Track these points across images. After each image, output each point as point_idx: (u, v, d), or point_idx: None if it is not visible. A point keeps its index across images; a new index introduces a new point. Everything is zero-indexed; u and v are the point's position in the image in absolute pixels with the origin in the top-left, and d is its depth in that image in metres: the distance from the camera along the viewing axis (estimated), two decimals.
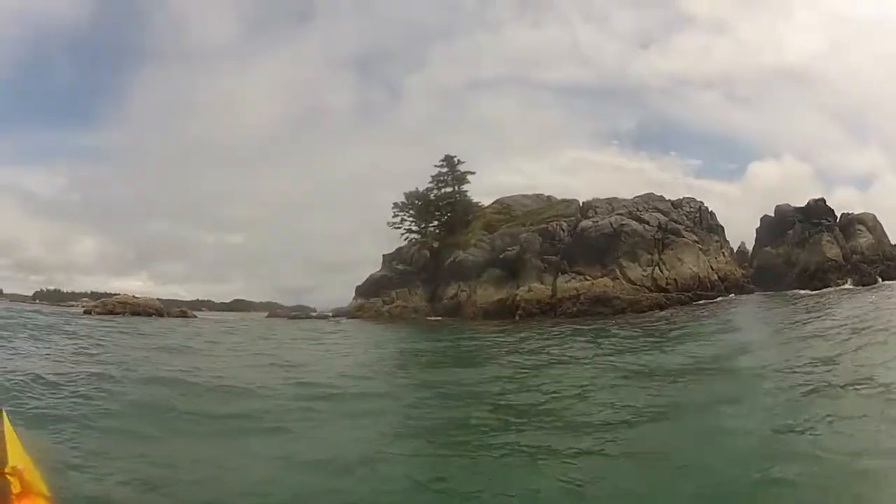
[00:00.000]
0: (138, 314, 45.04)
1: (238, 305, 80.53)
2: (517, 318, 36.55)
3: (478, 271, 40.90)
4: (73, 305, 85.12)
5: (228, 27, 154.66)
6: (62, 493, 3.40)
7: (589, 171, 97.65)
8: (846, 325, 19.18)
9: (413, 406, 10.60)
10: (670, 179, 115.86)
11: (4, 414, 3.74)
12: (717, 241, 43.73)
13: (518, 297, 38.23)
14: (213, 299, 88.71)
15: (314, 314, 48.98)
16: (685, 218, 43.47)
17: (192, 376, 13.03)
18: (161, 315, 46.93)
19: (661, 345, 19.29)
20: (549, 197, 48.74)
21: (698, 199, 45.63)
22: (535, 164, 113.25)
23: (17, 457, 3.20)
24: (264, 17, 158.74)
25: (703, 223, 44.14)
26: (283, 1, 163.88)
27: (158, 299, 52.57)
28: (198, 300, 73.72)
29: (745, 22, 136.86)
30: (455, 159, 48.36)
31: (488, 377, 13.81)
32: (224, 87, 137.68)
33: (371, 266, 48.10)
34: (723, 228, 45.07)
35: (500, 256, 40.58)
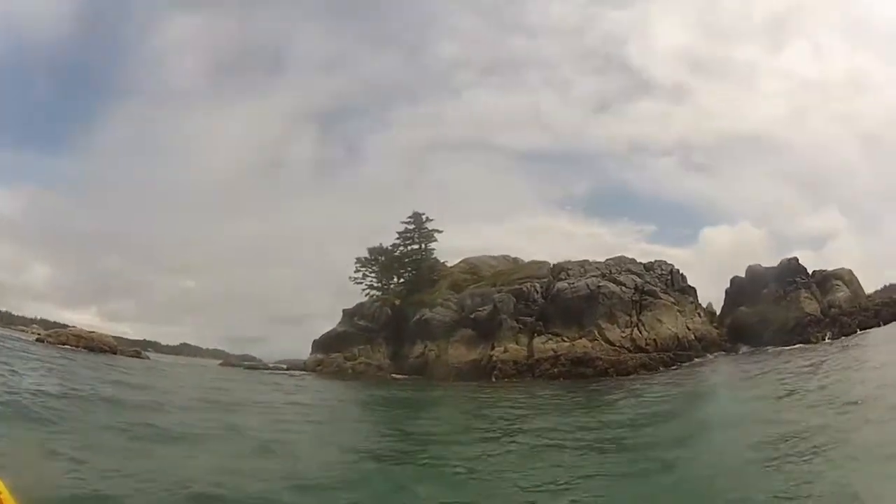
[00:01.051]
0: (91, 349, 43.23)
1: (185, 350, 76.76)
2: (494, 378, 34.20)
3: (446, 330, 38.27)
4: (23, 330, 79.87)
5: (203, 71, 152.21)
6: None
7: (545, 237, 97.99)
8: None
9: None
10: (623, 245, 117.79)
11: None
12: (691, 302, 42.75)
13: (494, 358, 35.57)
14: (160, 341, 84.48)
15: (270, 366, 44.85)
16: (657, 280, 42.43)
17: None
18: (114, 353, 45.50)
19: None
20: (515, 258, 47.39)
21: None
22: (493, 227, 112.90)
23: None
24: (238, 65, 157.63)
25: (675, 285, 43.19)
26: (258, 51, 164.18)
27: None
28: (145, 340, 69.14)
29: (705, 89, 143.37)
30: (423, 216, 46.94)
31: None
32: (192, 129, 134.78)
33: (323, 320, 45.86)
34: (695, 290, 44.22)
35: (471, 316, 38.21)
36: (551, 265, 42.62)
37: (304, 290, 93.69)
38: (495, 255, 47.97)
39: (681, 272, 44.44)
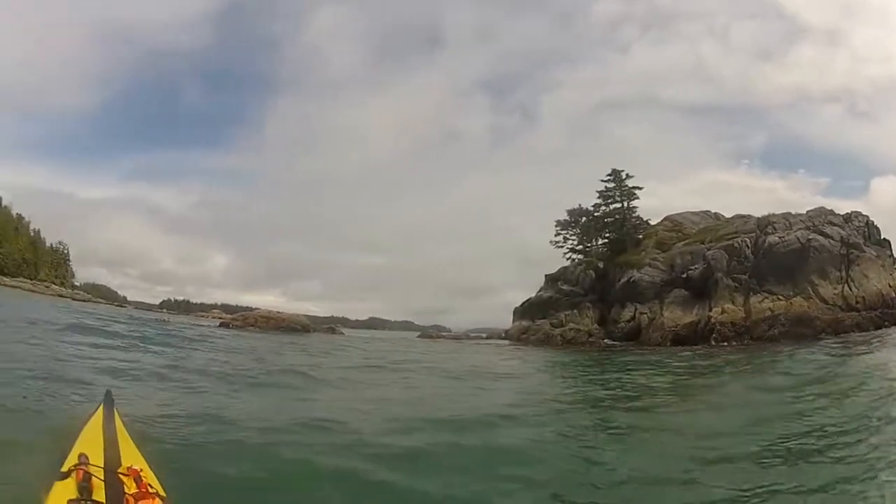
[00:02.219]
0: (282, 329, 43.08)
1: (374, 323, 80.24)
2: (713, 342, 34.41)
3: (656, 292, 38.35)
4: (202, 316, 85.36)
5: (358, 57, 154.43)
6: (177, 492, 3.01)
7: (721, 194, 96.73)
8: None
9: None
10: (798, 200, 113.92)
11: (117, 413, 3.85)
12: (889, 256, 41.67)
13: (712, 320, 35.77)
14: (347, 316, 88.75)
15: (471, 336, 46.37)
16: (856, 233, 41.39)
17: None
18: (307, 331, 45.30)
19: None
20: (716, 214, 46.56)
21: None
22: (668, 186, 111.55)
23: (132, 456, 3.18)
24: (392, 46, 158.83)
25: (872, 238, 42.11)
26: (410, 31, 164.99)
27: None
28: (332, 317, 72.38)
29: (859, 34, 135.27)
30: (623, 173, 46.03)
31: None
32: (355, 114, 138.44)
33: (508, 289, 46.78)
34: (890, 243, 42.99)
35: (683, 276, 38.04)
36: (756, 219, 41.75)
37: (487, 261, 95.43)
38: (695, 211, 47.39)
39: (875, 224, 43.39)
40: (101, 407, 3.85)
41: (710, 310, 36.30)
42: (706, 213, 47.41)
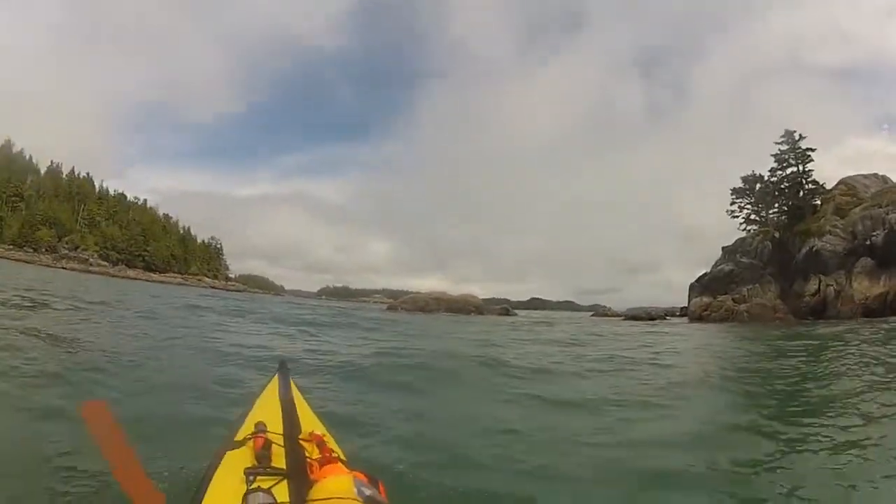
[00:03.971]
0: (452, 311, 42.96)
1: (535, 304, 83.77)
2: None
3: (840, 262, 37.71)
4: (364, 301, 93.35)
5: (506, 45, 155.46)
6: (356, 456, 3.16)
7: (871, 160, 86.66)
8: None
9: None
10: None
11: (293, 382, 3.73)
12: None
13: None
14: (509, 297, 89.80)
15: (653, 314, 47.14)
16: None
17: None
18: (480, 312, 44.55)
19: None
20: (883, 176, 43.19)
21: None
22: (818, 155, 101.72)
23: (311, 423, 3.19)
24: (537, 28, 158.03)
25: None
26: (553, 11, 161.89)
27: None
28: (493, 298, 78.04)
29: None
30: (796, 134, 43.71)
31: None
32: (508, 100, 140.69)
33: (672, 265, 46.86)
34: None
35: (867, 243, 37.18)
36: None
37: (647, 238, 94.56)
38: (865, 174, 44.01)
39: None
40: (275, 376, 3.76)
41: None
42: (875, 175, 43.39)
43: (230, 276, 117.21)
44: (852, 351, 13.03)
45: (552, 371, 10.20)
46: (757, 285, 40.98)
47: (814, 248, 38.85)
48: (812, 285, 38.52)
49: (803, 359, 12.54)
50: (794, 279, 39.86)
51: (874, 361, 10.64)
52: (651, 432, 5.72)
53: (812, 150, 44.07)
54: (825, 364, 11.53)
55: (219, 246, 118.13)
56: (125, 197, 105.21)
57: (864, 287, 36.38)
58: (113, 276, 72.71)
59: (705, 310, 41.90)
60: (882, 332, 18.65)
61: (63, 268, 72.02)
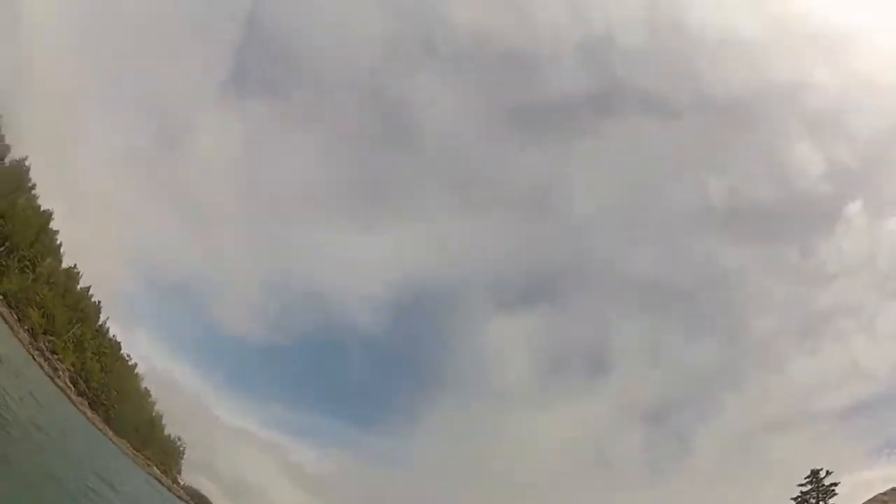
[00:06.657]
0: None
1: None
2: None
3: None
4: None
5: (531, 373, 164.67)
6: None
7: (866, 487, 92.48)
8: None
9: None
10: None
11: None
12: None
13: None
14: None
15: None
16: None
17: None
18: None
19: None
20: None
21: None
22: None
23: None
24: (564, 366, 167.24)
25: None
26: (583, 350, 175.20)
27: None
28: None
29: None
30: (822, 471, 45.04)
31: None
32: (516, 423, 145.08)
33: None
34: None
35: None
36: None
37: None
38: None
39: None
40: None
41: None
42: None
43: (180, 480, 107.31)
44: None
45: None
46: None
47: None
48: None
49: None
50: None
51: None
52: None
53: (836, 483, 45.03)
54: None
55: (182, 448, 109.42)
56: (120, 346, 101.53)
57: None
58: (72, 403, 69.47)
59: None
60: None
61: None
